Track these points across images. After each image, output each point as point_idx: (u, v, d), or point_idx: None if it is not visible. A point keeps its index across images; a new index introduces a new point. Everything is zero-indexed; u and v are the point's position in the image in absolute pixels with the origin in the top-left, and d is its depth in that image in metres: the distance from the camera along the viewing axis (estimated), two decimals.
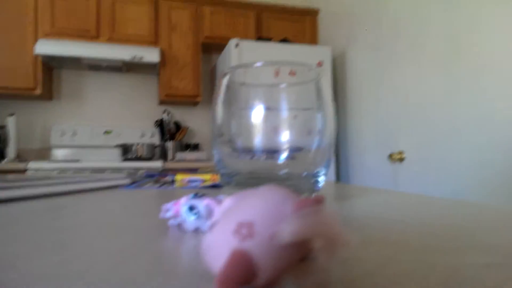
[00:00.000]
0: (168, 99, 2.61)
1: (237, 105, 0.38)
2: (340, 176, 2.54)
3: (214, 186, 0.62)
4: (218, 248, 0.14)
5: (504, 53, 1.29)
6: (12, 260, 0.20)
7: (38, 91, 2.37)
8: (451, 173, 1.53)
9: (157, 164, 2.27)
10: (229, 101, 0.38)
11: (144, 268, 0.18)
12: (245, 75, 0.37)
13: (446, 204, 0.40)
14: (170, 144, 2.61)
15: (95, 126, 2.66)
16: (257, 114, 0.36)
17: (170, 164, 2.31)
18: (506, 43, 1.28)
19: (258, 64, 0.36)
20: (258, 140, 0.35)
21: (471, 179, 1.43)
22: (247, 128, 0.37)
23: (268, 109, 0.36)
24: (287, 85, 0.36)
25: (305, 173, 0.34)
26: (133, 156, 2.45)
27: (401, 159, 1.81)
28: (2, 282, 0.16)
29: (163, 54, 2.55)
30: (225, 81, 0.36)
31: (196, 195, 0.27)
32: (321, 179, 0.35)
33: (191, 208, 0.26)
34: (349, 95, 2.38)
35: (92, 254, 0.21)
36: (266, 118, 0.36)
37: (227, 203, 0.16)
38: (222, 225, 0.14)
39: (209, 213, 0.26)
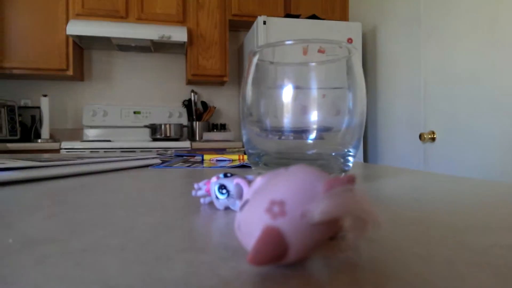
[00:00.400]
0: (195, 79, 2.63)
1: (266, 85, 0.38)
2: (368, 156, 2.50)
3: (243, 166, 0.63)
4: (250, 225, 0.14)
5: None
6: (50, 237, 0.21)
7: (70, 72, 2.43)
8: (483, 155, 1.48)
9: (185, 144, 2.31)
10: (258, 81, 0.37)
11: (176, 244, 0.19)
12: (274, 53, 0.37)
13: (477, 184, 0.39)
14: (197, 124, 2.64)
15: (125, 107, 2.72)
16: (286, 93, 0.35)
17: (197, 144, 2.35)
18: None
19: (288, 42, 0.35)
20: (286, 119, 0.35)
21: (503, 161, 1.37)
22: (276, 107, 0.36)
23: (297, 88, 0.35)
24: (317, 63, 0.35)
25: (334, 153, 0.34)
26: (162, 136, 2.51)
27: (433, 139, 1.76)
28: (42, 257, 0.17)
29: (190, 33, 2.56)
30: (254, 60, 0.36)
31: (226, 175, 0.27)
32: (351, 159, 0.35)
33: (222, 187, 0.26)
34: (379, 73, 2.31)
35: (127, 230, 0.22)
36: (295, 97, 0.35)
37: (258, 182, 0.16)
38: (254, 203, 0.15)
39: (239, 192, 0.26)
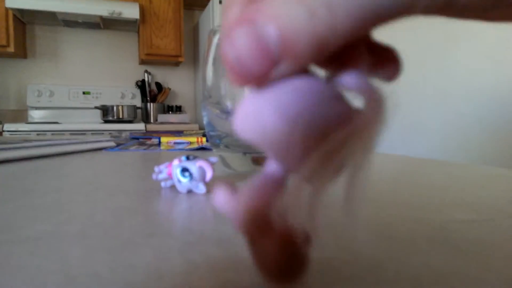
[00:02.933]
0: (149, 59, 2.53)
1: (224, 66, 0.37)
2: None
3: (202, 149, 0.62)
4: None
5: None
6: (6, 224, 0.19)
7: (11, 49, 2.25)
8: (428, 137, 1.57)
9: (139, 126, 2.23)
10: (218, 61, 0.37)
11: (141, 229, 0.18)
12: None
13: (431, 165, 0.42)
14: (151, 106, 2.56)
15: (73, 87, 2.57)
16: None
17: (152, 127, 2.28)
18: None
19: None
20: None
21: (448, 142, 1.47)
22: (236, 89, 0.36)
23: None
24: None
25: None
26: (114, 118, 2.41)
27: None
28: None
29: (142, 10, 2.44)
30: (215, 40, 0.35)
31: (189, 157, 0.26)
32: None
33: (184, 170, 0.26)
34: None
35: (88, 216, 0.21)
36: None
37: None
38: None
39: (202, 175, 0.26)
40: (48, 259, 0.14)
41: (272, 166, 0.12)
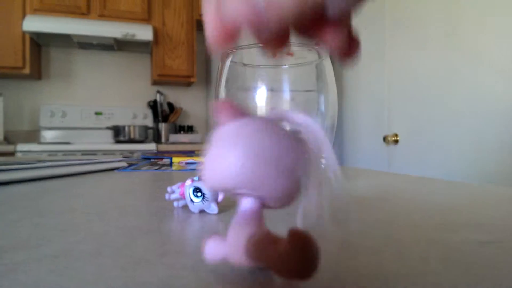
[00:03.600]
0: (161, 79, 2.58)
1: (237, 86, 0.38)
2: None
3: None
4: None
5: (504, 42, 1.29)
6: (18, 243, 0.20)
7: (26, 70, 2.32)
8: (444, 157, 1.55)
9: (150, 146, 2.26)
10: (230, 83, 0.38)
11: (154, 248, 0.18)
12: (245, 55, 0.37)
13: (442, 185, 0.41)
14: (163, 126, 2.59)
15: (85, 107, 2.62)
16: (257, 96, 0.36)
17: (163, 147, 2.30)
18: (504, 29, 1.28)
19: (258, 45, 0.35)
20: None
21: (465, 162, 1.45)
22: (248, 109, 0.37)
23: (268, 90, 0.36)
24: (289, 67, 0.36)
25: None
26: (125, 138, 2.44)
27: (396, 141, 1.83)
28: (12, 264, 0.16)
29: (156, 32, 2.50)
30: (227, 62, 0.36)
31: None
32: (322, 161, 0.36)
33: (196, 190, 0.26)
34: (346, 75, 2.37)
35: (100, 235, 0.21)
36: (265, 100, 0.36)
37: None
38: None
39: (215, 195, 0.26)
40: (66, 276, 0.15)
41: (247, 202, 0.14)
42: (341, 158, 2.46)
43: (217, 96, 0.37)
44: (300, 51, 0.37)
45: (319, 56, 0.36)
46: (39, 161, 0.64)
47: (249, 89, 0.37)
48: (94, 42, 2.48)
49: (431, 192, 0.37)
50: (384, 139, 1.87)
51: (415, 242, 0.19)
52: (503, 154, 1.29)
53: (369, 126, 2.10)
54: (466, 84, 1.44)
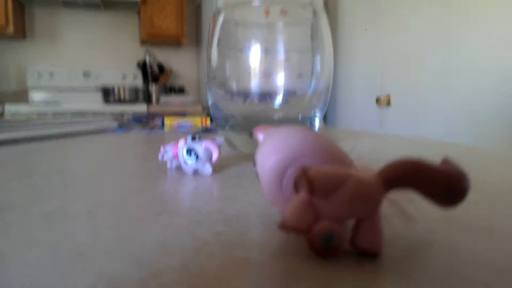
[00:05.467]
0: (150, 39, 2.50)
1: (230, 46, 0.37)
2: (326, 119, 2.56)
3: (206, 130, 0.62)
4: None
5: (499, 5, 1.26)
6: (10, 203, 0.19)
7: (10, 29, 2.22)
8: (436, 118, 1.56)
9: (141, 107, 2.23)
10: (222, 42, 0.36)
11: (148, 208, 0.18)
12: (238, 13, 0.35)
13: (434, 146, 0.41)
14: (153, 87, 2.54)
15: (73, 67, 2.55)
16: (251, 56, 0.34)
17: (154, 108, 2.27)
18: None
19: (256, 3, 0.34)
20: (251, 83, 0.35)
21: (456, 124, 1.47)
22: (241, 70, 0.36)
23: (262, 50, 0.35)
24: (283, 25, 0.34)
25: (300, 116, 0.34)
26: (115, 99, 2.40)
27: (388, 103, 1.83)
28: (4, 224, 0.16)
29: None
30: (219, 21, 0.35)
31: (194, 138, 0.26)
32: (317, 122, 0.35)
33: (190, 151, 0.26)
34: (340, 36, 2.32)
35: (94, 196, 0.21)
36: (260, 60, 0.35)
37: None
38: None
39: (209, 156, 0.26)
40: (58, 236, 0.15)
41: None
42: (334, 119, 2.46)
43: (209, 57, 0.36)
44: (294, 9, 0.36)
45: (315, 15, 0.35)
46: (29, 121, 0.62)
47: (242, 49, 0.36)
48: (79, 1, 2.38)
49: (422, 152, 0.37)
50: (377, 100, 1.87)
51: (410, 202, 0.19)
52: (494, 116, 1.31)
53: (362, 88, 2.09)
54: (460, 46, 1.43)
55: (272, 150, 0.14)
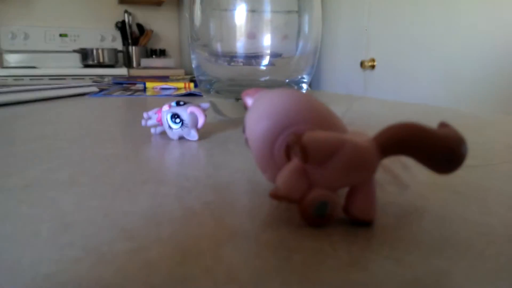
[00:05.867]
0: None
1: (213, 6, 0.35)
2: (311, 83, 2.54)
3: (190, 95, 0.60)
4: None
5: None
6: None
7: None
8: (420, 82, 1.57)
9: (121, 71, 2.16)
10: (205, 1, 0.34)
11: (134, 176, 0.18)
12: None
13: (422, 109, 0.41)
14: (134, 50, 2.46)
15: (49, 29, 2.43)
16: (236, 15, 0.33)
17: (135, 71, 2.21)
18: None
19: None
20: (236, 44, 0.33)
21: (440, 88, 1.48)
22: (225, 31, 0.34)
23: (247, 10, 0.33)
24: None
25: (287, 80, 0.33)
26: (94, 62, 2.31)
27: (372, 67, 1.82)
28: None
29: None
30: None
31: (179, 103, 0.25)
32: (304, 86, 0.35)
33: (175, 116, 0.25)
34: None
35: (77, 163, 0.20)
36: (245, 21, 0.33)
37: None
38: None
39: (194, 121, 0.25)
40: (39, 207, 0.14)
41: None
42: (318, 83, 2.45)
43: (191, 17, 0.34)
44: None
45: None
46: (5, 85, 0.60)
47: (227, 9, 0.34)
48: None
49: (411, 117, 0.37)
50: (361, 64, 1.86)
51: (399, 168, 0.19)
52: (476, 79, 1.32)
53: (346, 51, 2.07)
54: (444, 11, 1.41)
55: (262, 115, 0.14)
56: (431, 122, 0.34)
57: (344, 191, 0.13)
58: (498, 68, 1.26)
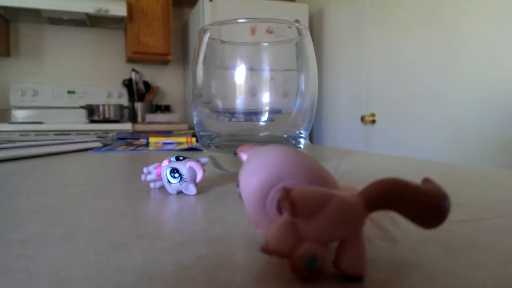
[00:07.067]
0: (136, 57, 2.50)
1: (216, 64, 0.37)
2: (312, 137, 2.58)
3: (191, 149, 0.62)
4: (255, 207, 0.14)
5: (483, 25, 1.31)
6: None
7: None
8: (421, 137, 1.59)
9: (126, 126, 2.21)
10: (208, 60, 0.37)
11: (130, 231, 0.18)
12: (224, 32, 0.36)
13: (419, 164, 0.42)
14: (139, 105, 2.53)
15: (58, 86, 2.52)
16: (236, 74, 0.35)
17: (140, 127, 2.26)
18: (483, 13, 1.30)
19: (240, 20, 0.34)
20: (237, 101, 0.35)
21: (440, 142, 1.49)
22: (226, 88, 0.36)
23: (248, 69, 0.35)
24: (269, 44, 0.35)
25: (286, 135, 0.34)
26: (100, 118, 2.37)
27: (373, 121, 1.86)
28: None
29: (130, 7, 2.41)
30: (205, 38, 0.35)
31: (179, 158, 0.26)
32: (302, 140, 0.36)
33: (174, 171, 0.26)
34: (325, 55, 2.37)
35: (75, 218, 0.20)
36: (245, 79, 0.35)
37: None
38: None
39: (193, 176, 0.26)
40: (36, 261, 0.14)
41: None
42: (320, 137, 2.48)
43: (194, 75, 0.36)
44: (280, 29, 0.36)
45: (300, 34, 0.36)
46: (10, 141, 0.61)
47: (228, 68, 0.36)
48: (65, 18, 2.37)
49: (408, 171, 0.38)
50: (362, 119, 1.90)
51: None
52: (477, 134, 1.34)
53: (347, 106, 2.12)
54: (444, 66, 1.47)
55: (254, 170, 0.14)
56: (424, 176, 0.35)
57: (334, 245, 0.13)
58: (501, 122, 1.28)
